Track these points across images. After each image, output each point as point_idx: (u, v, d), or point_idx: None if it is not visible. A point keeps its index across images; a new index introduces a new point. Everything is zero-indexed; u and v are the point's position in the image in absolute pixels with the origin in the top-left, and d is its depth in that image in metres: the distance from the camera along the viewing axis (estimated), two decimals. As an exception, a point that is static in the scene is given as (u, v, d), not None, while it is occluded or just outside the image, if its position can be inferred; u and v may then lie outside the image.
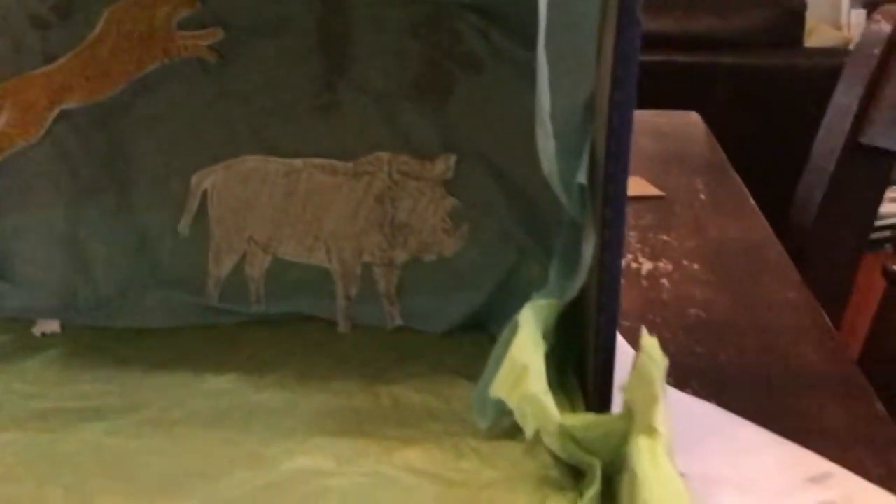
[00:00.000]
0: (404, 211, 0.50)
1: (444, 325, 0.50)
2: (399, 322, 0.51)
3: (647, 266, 0.60)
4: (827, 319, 0.52)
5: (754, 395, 0.45)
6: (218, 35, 0.49)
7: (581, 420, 0.33)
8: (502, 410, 0.38)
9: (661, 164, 0.82)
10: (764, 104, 1.36)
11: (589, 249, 0.36)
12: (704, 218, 0.70)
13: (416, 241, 0.50)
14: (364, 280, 0.51)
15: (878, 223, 1.15)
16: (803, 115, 0.97)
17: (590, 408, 0.37)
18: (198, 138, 0.50)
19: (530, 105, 0.41)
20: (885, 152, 0.62)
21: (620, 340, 0.38)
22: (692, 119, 1.01)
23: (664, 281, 0.58)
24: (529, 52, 0.41)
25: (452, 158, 0.49)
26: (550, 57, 0.35)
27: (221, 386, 0.44)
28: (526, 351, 0.34)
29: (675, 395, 0.44)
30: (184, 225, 0.51)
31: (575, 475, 0.35)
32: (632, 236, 0.65)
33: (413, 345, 0.49)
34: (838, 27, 2.55)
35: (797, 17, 1.58)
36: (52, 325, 0.50)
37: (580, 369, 0.42)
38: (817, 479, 0.38)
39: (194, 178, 0.51)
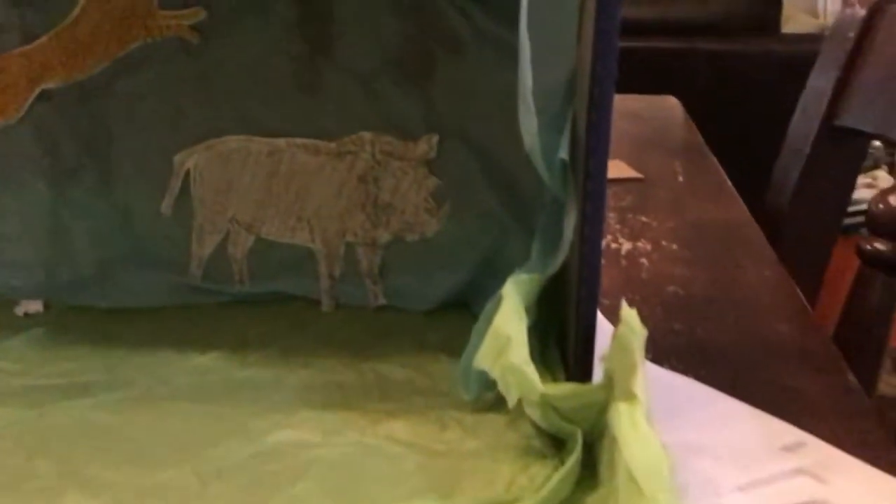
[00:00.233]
0: (387, 191, 0.50)
1: (426, 303, 0.51)
2: (382, 301, 0.52)
3: (626, 246, 0.62)
4: (801, 296, 0.54)
5: (731, 369, 0.46)
6: (200, 15, 0.49)
7: (562, 389, 0.34)
8: (485, 383, 0.39)
9: (640, 148, 0.83)
10: (741, 89, 1.37)
11: (570, 224, 0.37)
12: (682, 200, 0.71)
13: (398, 221, 0.51)
14: (347, 260, 0.51)
15: (852, 209, 1.17)
16: (780, 100, 0.99)
17: (571, 380, 0.38)
18: (180, 118, 0.51)
19: (512, 85, 0.42)
20: (860, 133, 0.63)
21: (600, 317, 0.39)
22: (671, 103, 1.03)
23: (643, 260, 0.59)
24: (511, 32, 0.42)
25: (435, 138, 0.50)
26: (532, 33, 0.35)
27: (206, 363, 0.45)
28: (509, 323, 0.35)
29: (653, 369, 0.45)
30: (166, 205, 0.51)
31: (556, 445, 0.36)
32: (611, 217, 0.66)
33: (396, 323, 0.49)
34: (815, 15, 2.58)
35: (774, 4, 1.60)
36: (35, 305, 0.50)
37: (562, 344, 0.43)
38: (791, 448, 0.39)
39: (177, 158, 0.51)
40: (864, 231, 1.59)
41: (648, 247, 0.62)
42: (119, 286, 0.52)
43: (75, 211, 0.52)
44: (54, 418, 0.39)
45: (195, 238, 0.52)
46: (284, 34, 0.49)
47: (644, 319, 0.34)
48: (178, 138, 0.51)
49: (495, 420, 0.38)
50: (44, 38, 0.49)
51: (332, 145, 0.50)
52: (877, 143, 1.87)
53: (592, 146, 0.35)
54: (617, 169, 0.77)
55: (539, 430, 0.37)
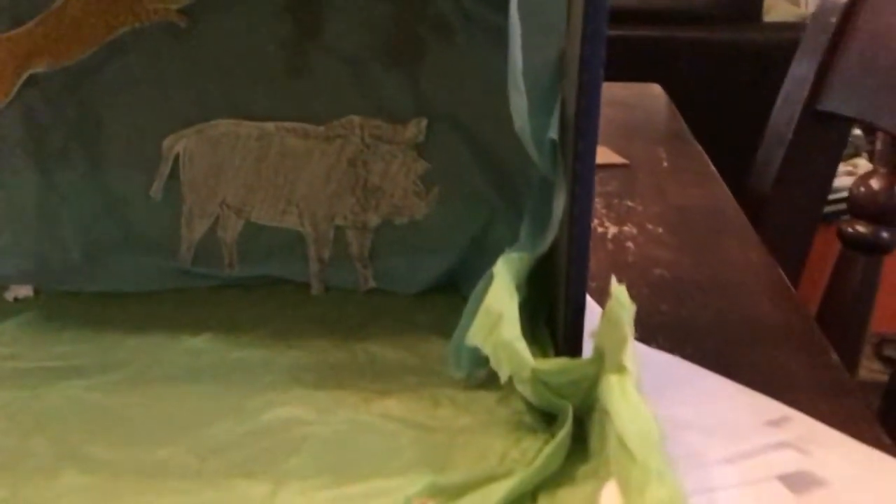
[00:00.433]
0: (376, 174, 0.51)
1: (416, 286, 0.52)
2: (372, 284, 0.52)
3: (612, 230, 0.62)
4: (785, 278, 0.55)
5: (716, 348, 0.47)
6: (188, -2, 0.49)
7: (553, 364, 0.35)
8: (477, 361, 0.40)
9: (625, 134, 0.84)
10: (723, 78, 1.39)
11: (560, 204, 0.38)
12: (667, 185, 0.72)
13: (388, 205, 0.51)
14: (337, 243, 0.52)
15: (832, 196, 1.19)
16: (761, 89, 1.00)
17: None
18: (169, 102, 0.51)
19: (500, 69, 0.42)
20: (841, 118, 0.65)
21: (588, 299, 0.40)
22: (654, 91, 1.04)
23: (629, 244, 0.60)
24: (500, 16, 0.42)
25: (424, 122, 0.50)
26: (522, 14, 0.36)
27: (198, 345, 0.45)
28: (500, 300, 0.35)
29: (641, 348, 0.46)
30: (155, 189, 0.52)
31: (547, 420, 0.37)
32: (598, 202, 0.66)
33: (386, 305, 0.50)
34: (796, 4, 2.59)
35: (756, -7, 1.61)
36: (25, 290, 0.51)
37: (551, 324, 0.43)
38: (776, 422, 0.40)
39: (166, 143, 0.51)
40: (845, 218, 1.61)
41: (634, 231, 0.62)
42: (109, 271, 0.52)
43: (64, 196, 0.52)
44: (48, 399, 0.39)
45: (185, 222, 0.52)
46: (273, 18, 0.49)
47: (631, 300, 0.35)
48: (167, 123, 0.51)
49: (487, 397, 0.39)
50: (31, 23, 0.49)
51: (322, 129, 0.51)
52: (857, 131, 1.89)
53: (582, 128, 0.36)
54: (602, 155, 0.78)
55: (530, 406, 0.38)
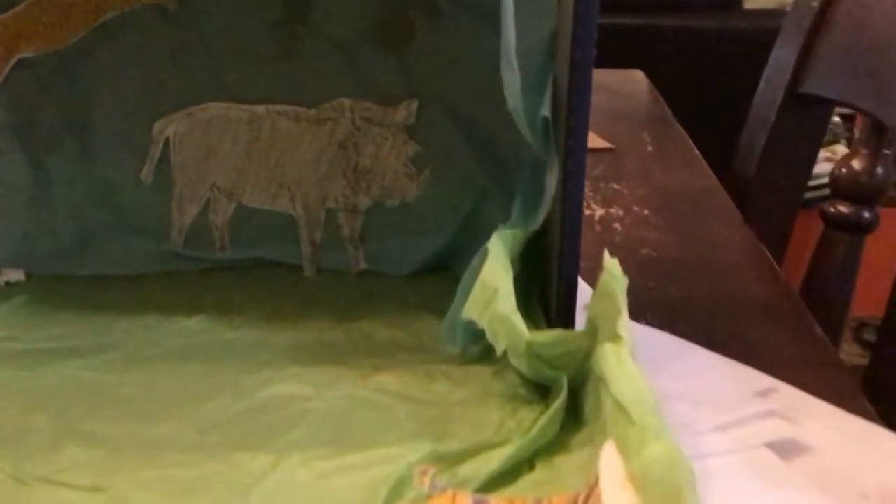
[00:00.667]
0: (367, 157, 0.51)
1: (407, 267, 0.52)
2: (363, 266, 0.53)
3: (599, 212, 0.63)
4: (769, 256, 0.56)
5: (703, 324, 0.48)
6: (178, -19, 0.49)
7: (548, 337, 0.35)
8: (471, 337, 0.41)
9: (609, 119, 0.85)
10: (705, 65, 1.40)
11: (553, 181, 0.39)
12: (652, 168, 0.73)
13: (378, 187, 0.52)
14: (328, 225, 0.53)
15: (812, 183, 1.20)
16: (743, 76, 1.01)
17: (553, 333, 0.40)
18: (159, 86, 0.51)
19: (489, 50, 0.43)
20: (823, 101, 0.66)
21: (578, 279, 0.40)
22: (637, 77, 1.05)
23: (616, 225, 0.61)
24: (488, -3, 0.43)
25: (414, 104, 0.51)
26: (515, -7, 0.37)
27: (192, 326, 0.46)
28: (495, 275, 0.36)
29: (630, 325, 0.47)
30: (146, 173, 0.52)
31: (542, 393, 0.38)
32: (585, 185, 0.67)
33: (378, 286, 0.51)
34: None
35: (737, -19, 1.62)
36: (17, 274, 0.51)
37: (544, 302, 0.44)
38: (764, 393, 0.41)
39: (156, 126, 0.52)
40: (823, 205, 1.63)
41: (621, 212, 0.63)
42: (100, 255, 0.52)
43: (54, 180, 0.52)
44: (46, 378, 0.40)
45: (176, 206, 0.53)
46: (263, 1, 0.50)
47: (621, 275, 0.36)
48: (158, 106, 0.51)
49: (482, 371, 0.40)
50: (20, 7, 0.49)
51: (312, 112, 0.51)
52: (836, 118, 1.91)
53: (574, 106, 0.36)
54: (588, 139, 0.78)
55: (524, 380, 0.39)
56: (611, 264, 0.35)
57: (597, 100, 0.94)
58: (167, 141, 0.52)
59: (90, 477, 0.31)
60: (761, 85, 0.71)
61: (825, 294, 0.63)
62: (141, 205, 0.52)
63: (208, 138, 0.52)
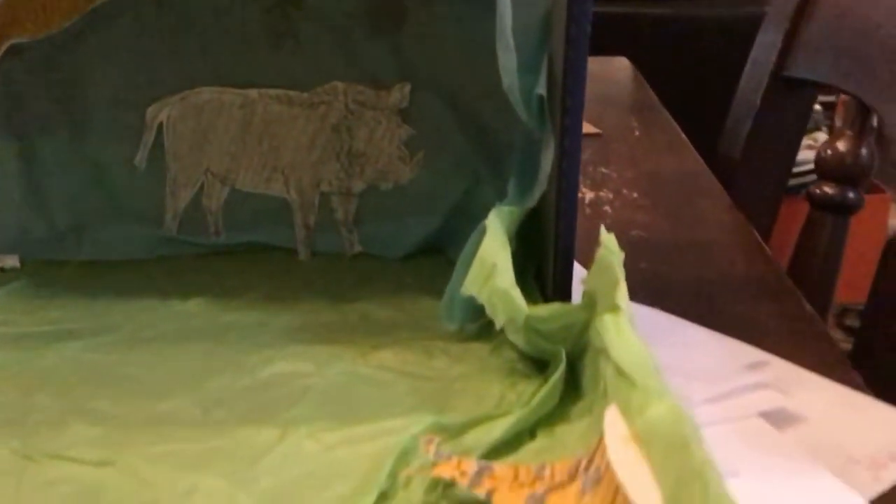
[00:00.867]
0: (360, 140, 0.52)
1: (401, 250, 0.53)
2: (358, 249, 0.53)
3: (589, 195, 0.64)
4: (757, 235, 0.57)
5: (694, 302, 0.49)
6: (171, -34, 0.50)
7: (546, 311, 0.36)
8: (469, 314, 0.41)
9: (596, 106, 0.86)
10: (687, 52, 1.42)
11: (548, 159, 0.40)
12: (640, 152, 0.74)
13: (372, 170, 0.53)
14: (322, 209, 0.53)
15: (796, 169, 1.22)
16: (725, 63, 1.03)
17: (550, 309, 0.41)
18: (152, 71, 0.51)
19: (481, 32, 0.44)
20: (808, 84, 0.67)
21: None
22: (623, 64, 1.06)
23: (606, 208, 0.62)
24: (480, -21, 0.44)
25: (407, 87, 0.51)
26: (510, -27, 0.37)
27: (189, 310, 0.46)
28: (494, 250, 0.37)
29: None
30: (140, 158, 0.52)
31: (539, 368, 0.39)
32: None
33: (373, 268, 0.51)
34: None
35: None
36: (12, 260, 0.51)
37: (540, 281, 0.45)
38: (755, 366, 0.42)
39: (149, 111, 0.52)
40: (804, 192, 1.66)
41: (610, 196, 0.64)
42: (94, 240, 0.53)
43: (47, 166, 0.52)
44: (46, 360, 0.40)
45: (169, 191, 0.53)
46: (256, -15, 0.50)
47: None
48: (151, 91, 0.52)
49: (479, 348, 0.41)
50: (10, -8, 0.50)
51: (305, 96, 0.52)
52: (817, 107, 1.93)
53: (570, 84, 0.37)
54: (575, 125, 0.79)
55: (522, 355, 0.39)
56: (607, 239, 0.36)
57: (583, 86, 0.94)
58: (160, 126, 0.52)
59: (98, 452, 0.32)
60: (747, 68, 0.72)
61: (811, 274, 0.64)
62: (135, 190, 0.53)
63: (201, 123, 0.52)
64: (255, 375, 0.39)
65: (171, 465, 0.31)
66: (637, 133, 0.79)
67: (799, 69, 0.66)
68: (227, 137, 0.52)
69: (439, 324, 0.43)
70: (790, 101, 0.69)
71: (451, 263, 0.48)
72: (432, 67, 0.51)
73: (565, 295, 0.40)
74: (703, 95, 1.14)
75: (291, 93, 0.52)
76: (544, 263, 0.44)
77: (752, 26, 0.81)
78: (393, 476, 0.30)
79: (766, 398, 0.39)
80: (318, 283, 0.50)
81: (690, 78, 1.36)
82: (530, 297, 0.43)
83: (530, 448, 0.32)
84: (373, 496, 0.29)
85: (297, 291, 0.48)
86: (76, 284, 0.49)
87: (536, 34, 0.39)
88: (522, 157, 0.44)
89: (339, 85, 0.51)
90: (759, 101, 0.68)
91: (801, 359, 0.43)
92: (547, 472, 0.29)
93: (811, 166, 1.55)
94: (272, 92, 0.52)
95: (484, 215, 0.42)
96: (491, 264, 0.37)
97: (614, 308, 0.32)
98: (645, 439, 0.24)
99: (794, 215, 1.30)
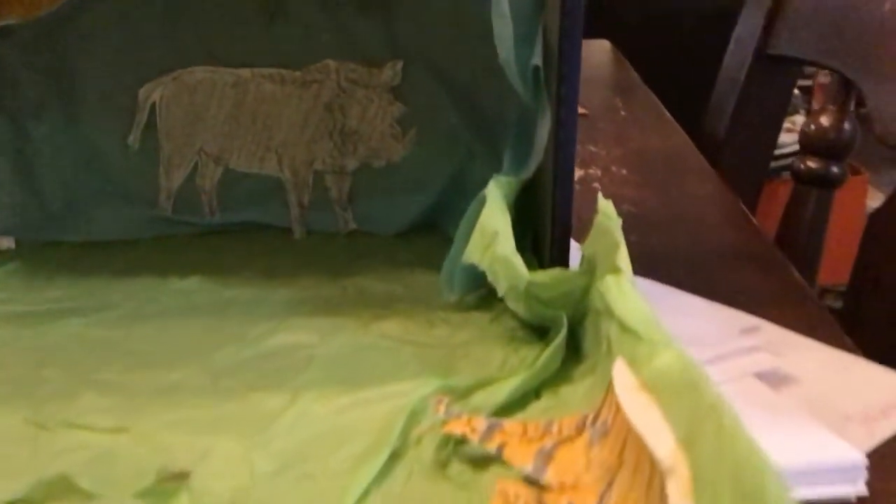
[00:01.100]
0: (353, 118, 0.53)
1: (396, 226, 0.54)
2: (353, 226, 0.54)
3: (578, 173, 0.65)
4: (744, 208, 0.58)
5: (686, 273, 0.50)
6: (162, -55, 0.50)
7: (547, 277, 0.37)
8: (469, 284, 0.42)
9: (582, 87, 0.87)
10: (668, 35, 1.43)
11: (545, 130, 0.40)
12: (627, 131, 0.75)
13: (365, 148, 0.53)
14: (316, 188, 0.54)
15: (778, 152, 1.24)
16: (707, 44, 1.04)
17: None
18: (144, 51, 0.52)
19: (472, 10, 0.45)
20: (791, 60, 0.69)
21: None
22: (605, 46, 1.07)
23: (596, 184, 0.63)
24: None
25: (399, 65, 0.52)
26: (506, -55, 0.38)
27: (189, 286, 0.47)
28: (495, 219, 0.38)
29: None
30: (133, 138, 0.53)
31: (540, 335, 0.40)
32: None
33: (369, 245, 0.52)
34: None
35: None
36: (8, 242, 0.51)
37: (537, 253, 0.46)
38: (748, 331, 0.43)
39: (142, 91, 0.52)
40: (785, 174, 1.68)
41: (599, 173, 0.66)
42: (90, 221, 0.53)
43: (40, 148, 0.52)
44: (52, 336, 0.40)
45: (163, 171, 0.53)
46: (248, -36, 0.51)
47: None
48: (143, 71, 0.52)
49: (480, 317, 0.42)
50: (0, -27, 0.50)
51: (298, 74, 0.52)
52: (795, 91, 1.95)
53: (566, 53, 0.38)
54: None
55: (522, 324, 0.40)
56: (605, 205, 0.37)
57: (567, 68, 0.95)
58: (153, 106, 0.52)
59: (111, 419, 0.33)
60: (730, 48, 0.73)
61: (797, 247, 0.66)
62: (129, 170, 0.53)
63: (194, 103, 0.52)
64: (260, 346, 0.39)
65: (185, 431, 0.32)
66: (623, 113, 0.80)
67: (782, 47, 0.67)
68: (220, 117, 0.53)
69: (438, 296, 0.44)
70: (774, 78, 0.70)
71: (446, 239, 0.49)
72: (424, 44, 0.52)
73: (563, 265, 0.41)
74: (683, 78, 1.16)
75: (284, 71, 0.52)
76: (541, 235, 0.45)
77: (736, 7, 0.82)
78: (404, 435, 0.31)
79: (761, 360, 0.40)
80: (314, 259, 0.50)
81: (671, 60, 1.37)
82: (529, 268, 0.44)
83: (536, 407, 0.34)
84: (385, 454, 0.30)
85: (294, 268, 0.49)
86: (73, 264, 0.49)
87: (531, 5, 0.40)
88: (517, 131, 0.45)
89: (332, 63, 0.52)
90: (743, 79, 0.70)
91: (793, 324, 0.44)
92: (555, 428, 0.30)
93: (790, 149, 1.57)
94: (265, 71, 0.52)
95: (477, 191, 0.43)
96: (492, 232, 0.38)
97: (615, 269, 0.33)
98: (654, 386, 0.25)
99: (772, 197, 1.32)
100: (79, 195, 0.53)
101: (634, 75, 0.92)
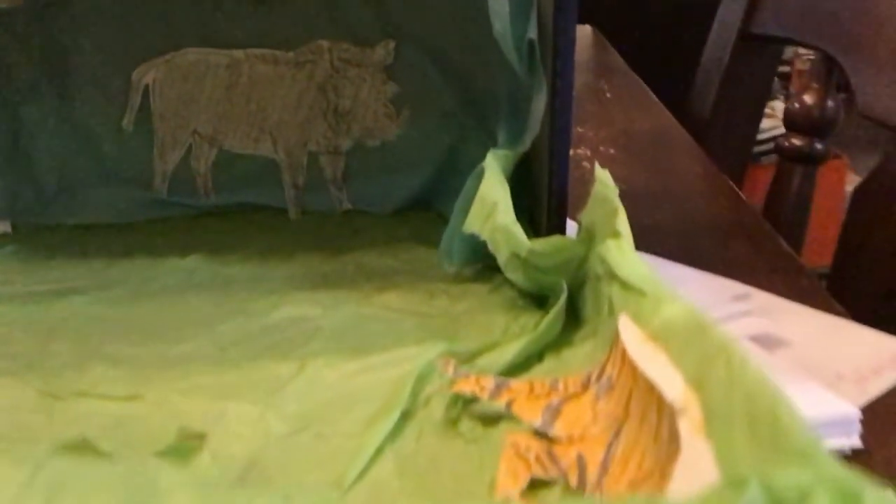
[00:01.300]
0: (347, 98, 0.54)
1: (390, 206, 0.55)
2: (348, 206, 0.55)
3: (567, 152, 0.66)
4: (732, 183, 0.60)
5: (676, 246, 0.51)
6: (154, -73, 0.51)
7: (546, 245, 0.38)
8: (468, 256, 0.43)
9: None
10: (650, 16, 1.45)
11: (540, 103, 0.41)
12: (613, 112, 0.77)
13: (359, 128, 0.54)
14: (311, 168, 0.55)
15: (759, 137, 1.26)
16: (685, 29, 1.05)
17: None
18: (137, 33, 0.52)
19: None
20: (774, 39, 0.70)
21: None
22: (586, 31, 1.08)
23: (585, 163, 0.65)
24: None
25: (391, 44, 0.53)
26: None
27: (189, 265, 0.48)
28: (494, 189, 0.39)
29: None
30: (127, 121, 0.53)
31: (539, 304, 0.41)
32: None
33: (365, 224, 0.53)
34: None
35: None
36: (3, 226, 0.52)
37: (533, 229, 0.47)
38: (740, 297, 0.45)
39: (135, 74, 0.53)
40: (764, 160, 1.69)
41: (588, 152, 0.67)
42: (85, 204, 0.53)
43: (34, 131, 0.53)
44: (56, 313, 0.41)
45: (157, 153, 0.54)
46: (239, -55, 0.51)
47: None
48: (136, 53, 0.52)
49: (480, 288, 0.43)
50: (-10, -44, 0.50)
51: (291, 55, 0.53)
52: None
53: (560, 25, 0.39)
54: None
55: (521, 293, 0.42)
56: (601, 174, 0.38)
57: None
58: (147, 88, 0.53)
59: (124, 388, 0.33)
60: (714, 26, 0.75)
61: (782, 223, 0.68)
62: (123, 153, 0.54)
63: (188, 84, 0.53)
64: (265, 319, 0.40)
65: (198, 397, 0.33)
66: (608, 94, 0.82)
67: (765, 26, 0.69)
68: (213, 98, 0.53)
69: (437, 270, 0.45)
70: (758, 57, 0.72)
71: (440, 217, 0.50)
72: (416, 23, 0.52)
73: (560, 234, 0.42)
74: (664, 61, 1.17)
75: (277, 52, 0.53)
76: (536, 211, 0.46)
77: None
78: (413, 397, 0.32)
79: (753, 324, 0.42)
80: (311, 238, 0.51)
81: (652, 44, 1.39)
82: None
83: (539, 369, 0.35)
84: (396, 414, 0.31)
85: (292, 246, 0.50)
86: (71, 247, 0.50)
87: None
88: (510, 106, 0.46)
89: (324, 43, 0.53)
90: (727, 59, 0.71)
91: (783, 292, 0.46)
92: (560, 385, 0.31)
93: (768, 135, 1.59)
94: (258, 52, 0.53)
95: (470, 170, 0.43)
96: (492, 202, 0.39)
97: (616, 234, 0.34)
98: (662, 336, 0.26)
99: (752, 182, 1.34)
100: (73, 179, 0.53)
101: (618, 58, 0.94)
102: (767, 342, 0.41)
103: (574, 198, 0.51)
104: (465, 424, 0.31)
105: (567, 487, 0.27)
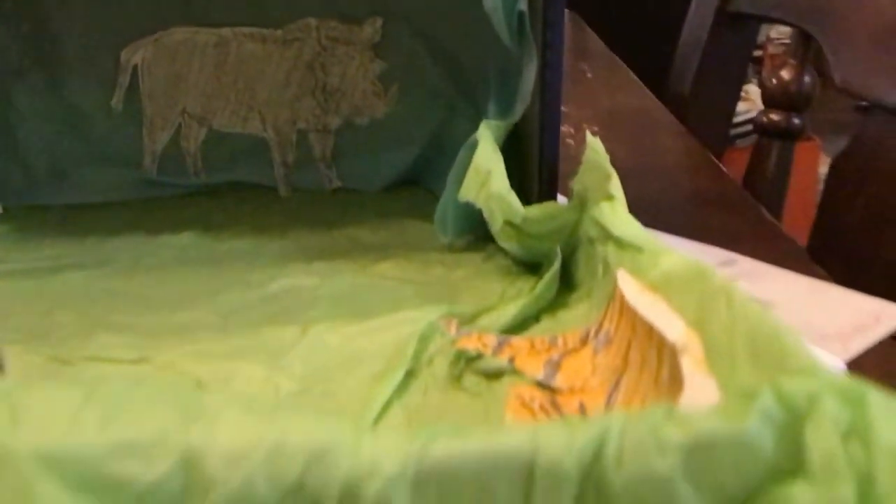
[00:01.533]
0: (335, 76, 0.54)
1: (380, 183, 0.56)
2: (337, 184, 0.56)
3: (551, 130, 0.68)
4: (714, 158, 0.61)
5: (660, 217, 0.52)
6: None
7: (540, 211, 0.40)
8: (462, 227, 0.45)
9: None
10: (626, 4, 1.47)
11: (531, 75, 0.43)
12: (595, 92, 0.78)
13: (348, 106, 0.55)
14: (300, 146, 0.55)
15: (735, 120, 1.28)
16: (661, 12, 1.07)
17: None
18: (124, 13, 0.53)
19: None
20: (751, 17, 0.72)
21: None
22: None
23: (570, 141, 0.66)
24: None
25: (379, 22, 0.54)
26: None
27: (182, 242, 0.48)
28: (488, 158, 0.40)
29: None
30: (116, 101, 0.54)
31: (533, 270, 0.42)
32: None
33: (355, 200, 0.54)
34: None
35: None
36: (-7, 206, 0.52)
37: (523, 200, 0.48)
38: (725, 263, 0.46)
39: (123, 54, 0.53)
40: (738, 143, 1.72)
41: (572, 130, 0.68)
42: (75, 184, 0.54)
43: (23, 113, 0.53)
44: (56, 287, 0.42)
45: (146, 133, 0.55)
46: (226, -76, 0.52)
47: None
48: (124, 34, 0.53)
49: (474, 257, 0.44)
50: (-24, -64, 0.50)
51: (279, 33, 0.54)
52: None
53: (550, -2, 0.40)
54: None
55: (515, 261, 0.43)
56: (593, 141, 0.39)
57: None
58: (135, 68, 0.54)
59: (132, 353, 0.34)
60: (692, 6, 0.76)
61: (760, 198, 0.69)
62: (112, 133, 0.54)
63: (176, 64, 0.54)
64: (263, 289, 0.41)
65: (206, 359, 0.34)
66: (589, 75, 0.83)
67: (743, 3, 0.71)
68: (202, 77, 0.54)
69: (431, 242, 0.46)
70: (735, 35, 0.74)
71: (429, 194, 0.51)
72: (403, 1, 0.53)
73: (552, 202, 0.43)
74: (643, 40, 1.19)
75: (265, 30, 0.54)
76: (526, 183, 0.47)
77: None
78: (417, 356, 0.33)
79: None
80: (303, 215, 0.52)
81: (630, 27, 1.41)
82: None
83: (537, 329, 0.36)
84: (401, 372, 0.32)
85: (284, 223, 0.51)
86: (63, 226, 0.50)
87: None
88: (500, 80, 0.47)
89: (312, 21, 0.54)
90: (705, 38, 0.73)
91: (766, 259, 0.47)
92: (560, 341, 0.33)
93: (743, 117, 1.62)
94: (245, 30, 0.54)
95: (458, 147, 0.45)
96: (486, 171, 0.40)
97: (609, 197, 0.35)
98: (662, 285, 0.27)
99: (728, 166, 1.37)
100: (63, 159, 0.54)
101: (598, 40, 0.95)
102: (754, 304, 0.42)
103: (560, 175, 0.52)
104: (470, 380, 0.32)
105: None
